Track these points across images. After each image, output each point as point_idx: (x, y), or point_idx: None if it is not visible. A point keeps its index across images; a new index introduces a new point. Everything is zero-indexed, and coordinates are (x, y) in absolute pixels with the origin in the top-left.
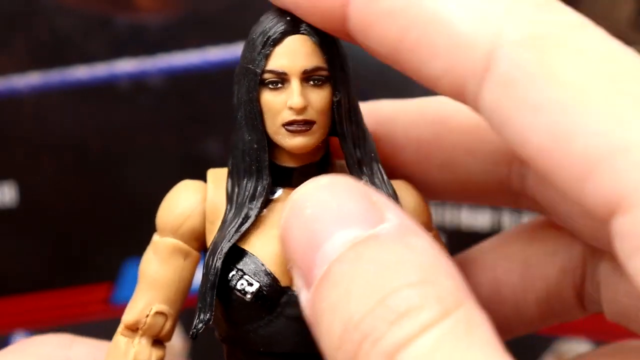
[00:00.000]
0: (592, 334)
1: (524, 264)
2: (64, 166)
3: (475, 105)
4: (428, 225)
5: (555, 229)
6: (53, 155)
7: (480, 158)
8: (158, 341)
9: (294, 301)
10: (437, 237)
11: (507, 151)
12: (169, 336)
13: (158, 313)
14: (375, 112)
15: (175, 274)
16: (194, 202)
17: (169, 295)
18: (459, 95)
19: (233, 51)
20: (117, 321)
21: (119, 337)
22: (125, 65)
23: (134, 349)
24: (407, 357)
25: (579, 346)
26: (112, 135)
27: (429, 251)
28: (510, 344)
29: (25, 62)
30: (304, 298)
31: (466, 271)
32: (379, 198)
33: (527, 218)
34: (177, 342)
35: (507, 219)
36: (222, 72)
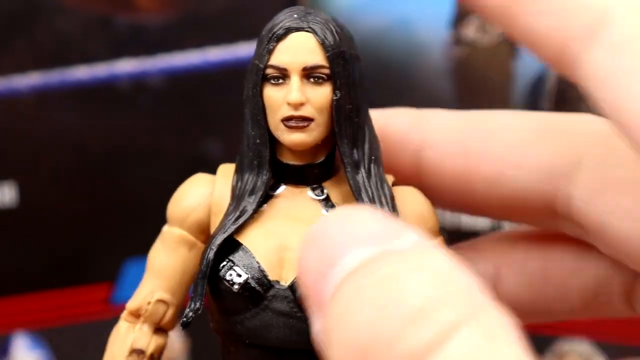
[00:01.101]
0: (592, 334)
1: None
2: (64, 166)
3: (574, 68)
4: (434, 231)
5: None
6: (53, 156)
7: (527, 174)
8: (161, 329)
9: (282, 295)
10: (442, 244)
11: (555, 170)
12: (170, 325)
13: (160, 301)
14: (424, 119)
15: (180, 264)
16: (201, 195)
17: (172, 284)
18: (560, 56)
19: (233, 51)
20: (117, 322)
21: (121, 322)
22: (125, 66)
23: (134, 335)
24: None
25: (579, 346)
26: (112, 136)
27: (446, 260)
28: None
29: (25, 62)
30: (316, 330)
31: (520, 243)
32: (399, 222)
33: None
34: (177, 343)
35: None
36: (222, 73)
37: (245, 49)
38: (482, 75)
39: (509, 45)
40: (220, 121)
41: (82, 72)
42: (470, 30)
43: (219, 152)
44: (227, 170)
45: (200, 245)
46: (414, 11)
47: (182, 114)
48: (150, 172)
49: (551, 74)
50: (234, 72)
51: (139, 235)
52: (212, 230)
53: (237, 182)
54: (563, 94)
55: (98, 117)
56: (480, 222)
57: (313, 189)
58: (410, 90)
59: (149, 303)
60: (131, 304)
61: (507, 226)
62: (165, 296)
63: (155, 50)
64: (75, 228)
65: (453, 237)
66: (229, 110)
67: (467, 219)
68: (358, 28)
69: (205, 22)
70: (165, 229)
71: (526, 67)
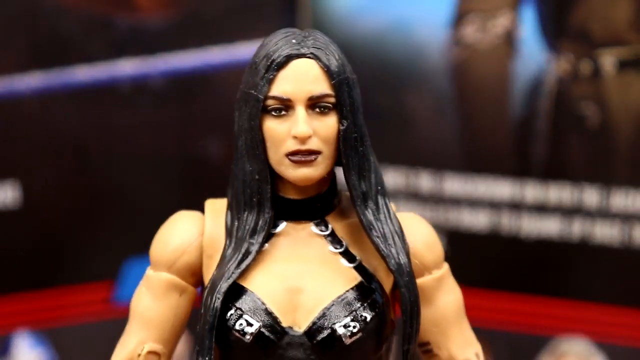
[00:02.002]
0: (592, 333)
1: None
2: (65, 166)
3: None
4: (439, 260)
5: None
6: (54, 156)
7: None
8: None
9: (297, 342)
10: (448, 273)
11: None
12: None
13: (151, 353)
14: None
15: (170, 311)
16: (190, 235)
17: (163, 333)
18: None
19: (233, 52)
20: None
21: None
22: (126, 66)
23: None
24: None
25: (578, 346)
26: (112, 136)
27: None
28: (510, 344)
29: (26, 63)
30: None
31: None
32: None
33: (526, 219)
34: (178, 344)
35: (506, 219)
36: (222, 73)
37: (245, 49)
38: (481, 76)
39: (507, 46)
40: (220, 121)
41: (82, 73)
42: (469, 31)
43: (219, 153)
44: (216, 207)
45: (191, 289)
46: (413, 12)
47: (182, 115)
48: (150, 171)
49: (550, 74)
50: (234, 72)
51: (139, 235)
52: (205, 273)
53: (233, 221)
54: (562, 95)
55: (99, 117)
56: (479, 222)
57: (317, 224)
58: (410, 91)
59: (139, 355)
60: (118, 357)
61: (506, 228)
62: (156, 347)
63: (156, 51)
64: (76, 227)
65: (453, 236)
66: (229, 110)
67: (466, 218)
68: (358, 29)
69: (205, 22)
70: (151, 273)
71: (525, 67)
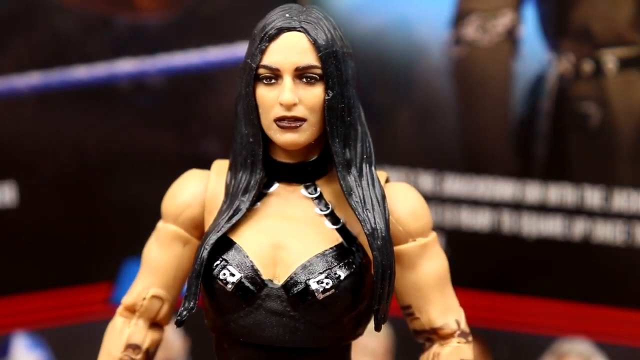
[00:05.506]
0: (592, 333)
1: None
2: (63, 166)
3: None
4: (425, 228)
5: None
6: (53, 156)
7: None
8: (156, 324)
9: (275, 294)
10: (434, 241)
11: None
12: (166, 320)
13: (154, 297)
14: None
15: (174, 260)
16: (195, 191)
17: (167, 280)
18: None
19: (233, 51)
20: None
21: (117, 317)
22: (125, 66)
23: (129, 330)
24: None
25: (579, 346)
26: (112, 135)
27: None
28: (511, 344)
29: (25, 62)
30: None
31: None
32: None
33: (526, 218)
34: (177, 342)
35: (507, 219)
36: (222, 73)
37: (245, 49)
38: (482, 75)
39: (509, 45)
40: (220, 121)
41: (82, 72)
42: (470, 30)
43: (219, 152)
44: (221, 167)
45: (195, 241)
46: (413, 11)
47: (182, 114)
48: (149, 171)
49: (551, 73)
50: (234, 72)
51: (138, 235)
52: (206, 226)
53: (230, 180)
54: (563, 94)
55: (98, 117)
56: (479, 222)
57: (306, 187)
58: (410, 90)
59: (144, 299)
60: (126, 300)
61: (507, 228)
62: (160, 292)
63: (155, 51)
64: (75, 228)
65: (453, 236)
66: (228, 110)
67: (466, 218)
68: (358, 28)
69: (205, 22)
70: (160, 225)
71: (526, 66)
